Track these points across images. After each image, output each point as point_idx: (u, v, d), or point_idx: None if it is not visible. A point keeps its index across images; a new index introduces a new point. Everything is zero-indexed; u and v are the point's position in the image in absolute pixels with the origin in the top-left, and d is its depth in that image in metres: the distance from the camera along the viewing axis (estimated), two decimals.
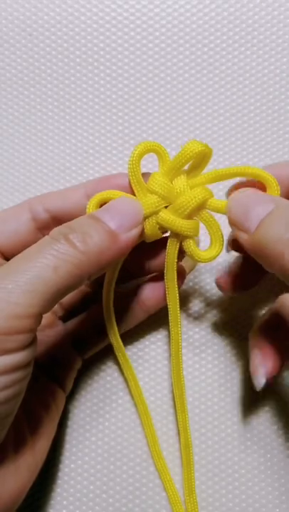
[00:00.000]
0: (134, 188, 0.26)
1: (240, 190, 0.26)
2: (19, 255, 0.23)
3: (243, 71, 0.36)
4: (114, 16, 0.36)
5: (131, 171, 0.26)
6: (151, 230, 0.26)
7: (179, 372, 0.30)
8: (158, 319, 0.33)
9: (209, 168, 0.36)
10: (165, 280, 0.28)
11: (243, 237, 0.24)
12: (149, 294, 0.31)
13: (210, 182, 0.27)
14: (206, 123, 0.36)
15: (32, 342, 0.22)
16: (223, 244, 0.27)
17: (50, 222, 0.28)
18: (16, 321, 0.21)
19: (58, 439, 0.33)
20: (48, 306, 0.22)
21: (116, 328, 0.30)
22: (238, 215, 0.25)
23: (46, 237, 0.23)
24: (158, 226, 0.27)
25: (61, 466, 0.33)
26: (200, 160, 0.26)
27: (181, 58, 0.36)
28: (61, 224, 0.25)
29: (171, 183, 0.26)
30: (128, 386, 0.33)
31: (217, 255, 0.27)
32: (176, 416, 0.33)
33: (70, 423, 0.33)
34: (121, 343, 0.31)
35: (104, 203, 0.26)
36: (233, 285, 0.30)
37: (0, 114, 0.36)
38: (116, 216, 0.24)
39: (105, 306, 0.29)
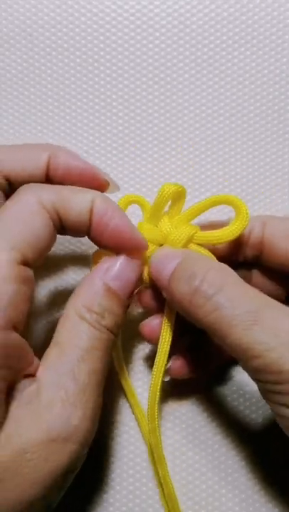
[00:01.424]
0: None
1: (159, 248, 0.28)
2: (65, 348, 0.24)
3: (243, 71, 0.36)
4: (114, 16, 0.36)
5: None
6: (149, 273, 0.28)
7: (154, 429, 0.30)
8: None
9: (208, 167, 0.36)
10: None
11: (164, 294, 0.26)
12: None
13: (191, 218, 0.29)
14: (206, 123, 0.36)
15: None
16: None
17: (5, 185, 0.27)
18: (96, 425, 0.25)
19: None
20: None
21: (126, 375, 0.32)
22: (155, 274, 0.26)
23: (84, 323, 0.24)
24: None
25: None
26: (176, 199, 0.28)
27: (181, 58, 0.36)
28: (13, 184, 0.26)
29: (157, 226, 0.29)
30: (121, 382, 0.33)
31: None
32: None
33: None
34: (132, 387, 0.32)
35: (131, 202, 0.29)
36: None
37: (0, 115, 0.36)
38: (127, 286, 0.26)
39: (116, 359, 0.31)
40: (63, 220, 0.25)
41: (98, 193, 0.26)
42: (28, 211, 0.24)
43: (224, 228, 0.27)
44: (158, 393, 0.29)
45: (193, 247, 0.28)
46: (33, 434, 0.22)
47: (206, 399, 0.33)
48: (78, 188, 0.26)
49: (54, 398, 0.22)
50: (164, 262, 0.26)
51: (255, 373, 0.22)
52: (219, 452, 0.33)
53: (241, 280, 0.24)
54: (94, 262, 0.28)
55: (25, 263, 0.23)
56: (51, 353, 0.24)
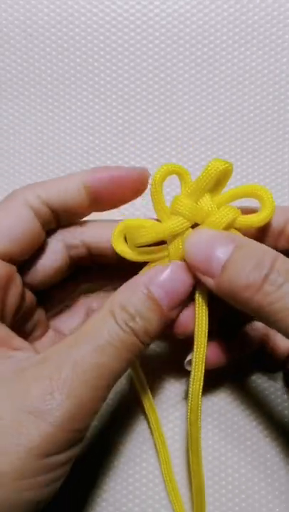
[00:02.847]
0: (156, 211, 0.26)
1: (195, 229, 0.26)
2: (84, 336, 0.23)
3: (243, 71, 0.36)
4: (114, 16, 0.36)
5: (153, 194, 0.25)
6: (175, 252, 0.26)
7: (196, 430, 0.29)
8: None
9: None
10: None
11: (209, 282, 0.24)
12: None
13: (232, 200, 0.26)
14: (206, 123, 0.36)
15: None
16: None
17: (51, 216, 0.26)
18: (90, 418, 0.22)
19: None
20: (107, 395, 0.23)
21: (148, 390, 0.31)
22: (199, 261, 0.24)
23: (113, 322, 0.23)
24: (182, 249, 0.26)
25: None
26: (222, 178, 0.26)
27: (181, 58, 0.36)
28: (59, 215, 0.26)
29: (197, 203, 0.26)
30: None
31: None
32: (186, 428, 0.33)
33: None
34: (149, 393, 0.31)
35: (128, 230, 0.26)
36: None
37: (0, 115, 0.36)
38: (171, 294, 0.24)
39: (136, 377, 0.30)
40: (56, 209, 0.26)
41: (86, 171, 0.26)
42: (10, 208, 0.25)
43: (256, 214, 0.26)
44: (200, 385, 0.27)
45: (232, 231, 0.26)
46: (11, 400, 0.21)
47: (240, 389, 0.34)
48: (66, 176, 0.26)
49: (47, 374, 0.22)
50: (209, 249, 0.24)
51: None
52: (257, 445, 0.33)
53: None
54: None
55: (3, 258, 0.24)
56: (69, 336, 0.23)
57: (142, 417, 0.33)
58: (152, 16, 0.36)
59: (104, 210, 0.27)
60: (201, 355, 0.26)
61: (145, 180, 0.26)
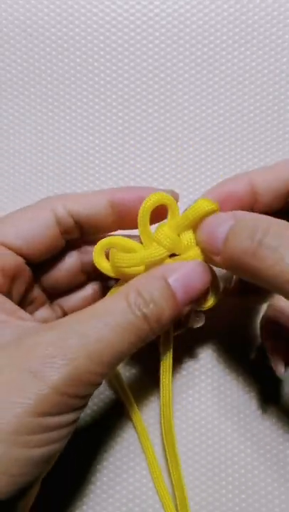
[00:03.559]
0: (141, 234, 0.27)
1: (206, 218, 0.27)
2: (94, 312, 0.23)
3: (243, 71, 0.36)
4: (114, 16, 0.36)
5: (141, 220, 0.26)
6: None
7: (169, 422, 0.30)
8: None
9: (208, 167, 0.36)
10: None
11: (217, 260, 0.25)
12: None
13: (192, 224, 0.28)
14: (206, 123, 0.36)
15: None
16: (219, 293, 0.28)
17: (74, 227, 0.27)
18: (91, 387, 0.23)
19: None
20: (110, 374, 0.24)
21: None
22: (206, 239, 0.25)
23: (125, 304, 0.23)
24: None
25: (60, 464, 0.33)
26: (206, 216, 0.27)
27: (181, 58, 0.36)
28: (83, 228, 0.27)
29: (179, 236, 0.27)
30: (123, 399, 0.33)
31: (213, 304, 0.28)
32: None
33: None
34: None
35: (110, 247, 0.27)
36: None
37: (0, 115, 0.36)
38: (187, 289, 0.25)
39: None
40: (80, 221, 0.27)
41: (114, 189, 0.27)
42: (35, 211, 0.27)
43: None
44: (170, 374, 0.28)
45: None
46: (14, 359, 0.22)
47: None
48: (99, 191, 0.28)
49: (52, 340, 0.22)
50: (213, 226, 0.25)
51: None
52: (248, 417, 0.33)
53: None
54: None
55: (10, 248, 0.26)
56: (79, 311, 0.24)
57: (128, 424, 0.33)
58: (152, 16, 0.36)
59: (130, 228, 0.28)
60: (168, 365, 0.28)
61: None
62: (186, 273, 0.25)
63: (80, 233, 0.28)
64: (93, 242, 0.27)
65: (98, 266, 0.27)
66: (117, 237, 0.27)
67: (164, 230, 0.27)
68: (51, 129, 0.36)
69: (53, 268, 0.29)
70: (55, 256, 0.28)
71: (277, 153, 0.36)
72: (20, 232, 0.26)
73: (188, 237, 0.27)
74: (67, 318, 0.24)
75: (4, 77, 0.36)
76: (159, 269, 0.25)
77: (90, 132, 0.36)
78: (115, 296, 0.24)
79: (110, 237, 0.27)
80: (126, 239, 0.27)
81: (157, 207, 0.26)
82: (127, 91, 0.36)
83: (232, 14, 0.36)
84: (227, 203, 0.27)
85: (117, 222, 0.28)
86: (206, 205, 0.25)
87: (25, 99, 0.36)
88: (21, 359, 0.22)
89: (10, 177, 0.36)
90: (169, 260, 0.27)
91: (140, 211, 0.26)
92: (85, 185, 0.36)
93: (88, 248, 0.29)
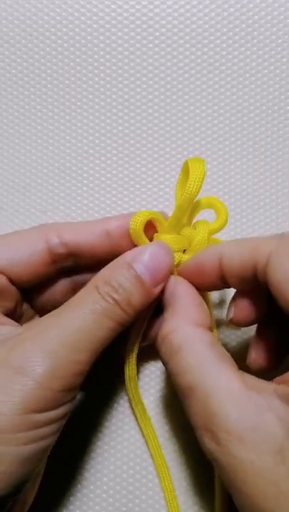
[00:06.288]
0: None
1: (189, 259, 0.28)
2: (68, 306, 0.24)
3: (243, 71, 0.36)
4: (114, 16, 0.36)
5: (135, 238, 0.27)
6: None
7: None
8: None
9: (208, 167, 0.36)
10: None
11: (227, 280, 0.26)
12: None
13: (198, 213, 0.30)
14: (206, 123, 0.36)
15: (78, 392, 0.24)
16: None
17: (66, 255, 0.28)
18: (75, 378, 0.23)
19: (57, 441, 0.33)
20: (93, 362, 0.24)
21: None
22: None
23: (96, 293, 0.24)
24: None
25: (59, 466, 0.33)
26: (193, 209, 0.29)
27: (181, 58, 0.36)
28: (76, 255, 0.27)
29: (179, 234, 0.28)
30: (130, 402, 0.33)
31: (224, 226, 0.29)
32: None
33: (70, 428, 0.33)
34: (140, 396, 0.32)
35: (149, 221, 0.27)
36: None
37: (0, 114, 0.36)
38: (153, 271, 0.25)
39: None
40: (74, 251, 0.27)
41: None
42: (28, 236, 0.27)
43: (215, 222, 0.29)
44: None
45: (210, 240, 0.29)
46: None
47: None
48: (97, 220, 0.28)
49: (30, 336, 0.23)
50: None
51: None
52: None
53: None
54: None
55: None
56: (54, 310, 0.25)
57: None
58: (152, 16, 0.36)
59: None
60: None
61: None
62: (148, 256, 0.26)
63: (73, 262, 0.28)
64: (87, 267, 0.28)
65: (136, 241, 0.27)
66: (156, 213, 0.28)
67: (162, 237, 0.28)
68: (51, 129, 0.36)
69: (44, 292, 0.29)
70: (46, 281, 0.29)
71: (277, 153, 0.36)
72: (6, 253, 0.27)
73: (186, 230, 0.28)
74: (44, 317, 0.24)
75: (4, 77, 0.36)
76: (122, 257, 0.26)
77: (90, 132, 0.36)
78: (86, 289, 0.25)
79: (149, 212, 0.28)
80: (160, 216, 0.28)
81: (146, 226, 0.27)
82: (127, 91, 0.36)
83: (232, 14, 0.36)
84: (197, 276, 0.27)
85: (113, 250, 0.28)
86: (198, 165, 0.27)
87: (25, 99, 0.36)
88: (4, 358, 0.22)
89: (9, 176, 0.36)
90: (185, 256, 0.28)
91: (132, 233, 0.27)
92: (84, 185, 0.36)
93: (81, 276, 0.29)
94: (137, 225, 0.27)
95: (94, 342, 0.23)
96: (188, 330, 0.24)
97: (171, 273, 0.27)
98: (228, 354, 0.24)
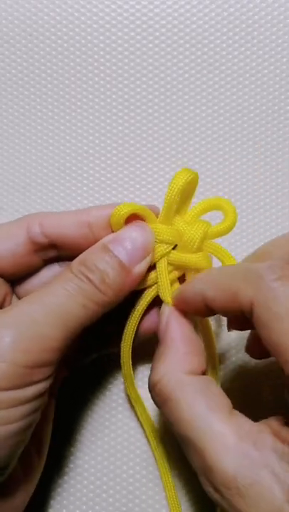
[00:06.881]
0: None
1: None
2: (43, 289, 0.24)
3: (243, 71, 0.36)
4: (114, 16, 0.36)
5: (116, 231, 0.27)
6: (161, 271, 0.27)
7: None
8: None
9: (208, 167, 0.36)
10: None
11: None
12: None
13: (202, 214, 0.28)
14: (206, 123, 0.36)
15: (53, 372, 0.23)
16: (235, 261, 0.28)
17: (48, 245, 0.27)
18: (45, 354, 0.22)
19: (57, 440, 0.33)
20: (71, 340, 0.24)
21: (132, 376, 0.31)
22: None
23: (69, 273, 0.24)
24: (170, 268, 0.28)
25: (61, 465, 0.33)
26: (186, 193, 0.27)
27: (181, 58, 0.36)
28: (58, 246, 0.27)
29: (171, 225, 0.27)
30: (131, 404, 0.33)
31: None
32: None
33: (70, 427, 0.33)
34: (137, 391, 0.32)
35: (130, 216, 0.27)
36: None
37: (0, 114, 0.36)
38: (129, 249, 0.25)
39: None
40: (55, 241, 0.27)
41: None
42: (10, 228, 0.27)
43: (221, 223, 0.28)
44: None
45: (208, 244, 0.27)
46: None
47: None
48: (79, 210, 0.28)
49: (2, 317, 0.23)
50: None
51: None
52: None
53: None
54: None
55: None
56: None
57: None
58: (152, 16, 0.36)
59: None
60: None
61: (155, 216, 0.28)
62: (124, 234, 0.25)
63: (57, 252, 0.28)
64: (73, 257, 0.27)
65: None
66: (139, 206, 0.27)
67: (155, 228, 0.27)
68: (51, 129, 0.36)
69: (31, 282, 0.29)
70: (33, 272, 0.29)
71: (277, 153, 0.36)
72: None
73: (178, 223, 0.27)
74: (20, 300, 0.24)
75: (4, 77, 0.36)
76: (99, 241, 0.26)
77: (90, 132, 0.36)
78: (62, 271, 0.25)
79: (129, 204, 0.26)
80: (142, 206, 0.27)
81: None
82: (127, 91, 0.36)
83: (232, 14, 0.36)
84: (188, 308, 0.26)
85: (95, 241, 0.27)
86: (186, 175, 0.25)
87: (25, 99, 0.36)
88: None
89: (9, 177, 0.36)
90: (173, 252, 0.27)
91: (111, 220, 0.26)
92: (84, 185, 0.36)
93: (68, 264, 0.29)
94: (116, 218, 0.26)
95: (68, 319, 0.23)
96: (176, 379, 0.23)
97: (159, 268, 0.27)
98: (221, 395, 0.23)
